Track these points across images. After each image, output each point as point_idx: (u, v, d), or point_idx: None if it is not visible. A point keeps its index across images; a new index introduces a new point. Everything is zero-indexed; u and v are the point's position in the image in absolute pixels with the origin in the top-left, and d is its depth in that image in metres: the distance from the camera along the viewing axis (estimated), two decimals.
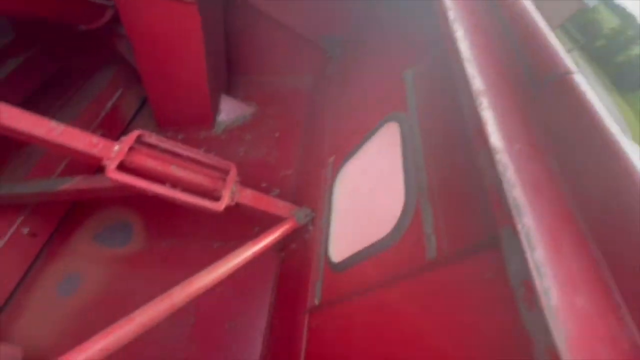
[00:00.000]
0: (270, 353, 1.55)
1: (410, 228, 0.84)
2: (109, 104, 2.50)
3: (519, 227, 0.37)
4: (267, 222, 1.50)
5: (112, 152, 1.25)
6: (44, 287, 1.97)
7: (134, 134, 1.29)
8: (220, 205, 1.32)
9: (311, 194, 1.69)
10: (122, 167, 1.24)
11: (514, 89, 0.53)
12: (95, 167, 2.37)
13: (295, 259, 1.63)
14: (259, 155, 2.40)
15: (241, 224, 1.93)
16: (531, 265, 0.35)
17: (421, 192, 0.85)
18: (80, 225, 2.18)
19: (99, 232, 2.16)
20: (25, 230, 1.97)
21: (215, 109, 2.50)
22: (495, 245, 0.62)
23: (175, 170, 1.31)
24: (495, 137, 0.45)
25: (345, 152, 1.47)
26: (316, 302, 1.21)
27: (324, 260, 1.29)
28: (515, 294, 0.38)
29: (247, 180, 1.52)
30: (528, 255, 0.36)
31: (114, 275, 1.97)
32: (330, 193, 1.47)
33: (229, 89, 2.78)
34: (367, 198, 1.19)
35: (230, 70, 2.81)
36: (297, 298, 1.39)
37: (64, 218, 2.21)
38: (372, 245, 0.99)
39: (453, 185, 0.76)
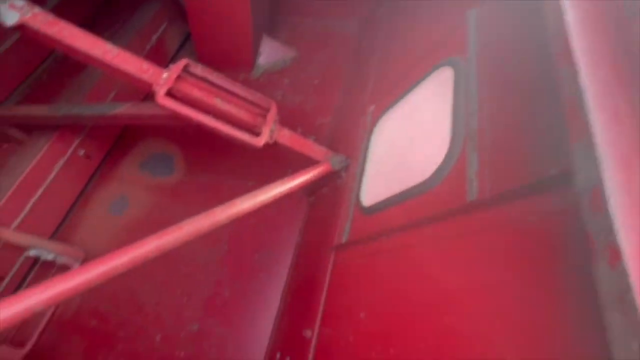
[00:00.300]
0: (294, 284, 1.67)
1: (451, 173, 0.83)
2: (154, 38, 2.53)
3: (593, 141, 0.36)
4: (302, 166, 1.53)
5: (161, 78, 1.29)
6: (97, 206, 2.20)
7: (181, 62, 1.31)
8: (259, 141, 1.36)
9: (347, 142, 1.69)
10: (169, 94, 1.29)
11: (607, 20, 0.48)
12: (143, 95, 2.49)
13: (325, 203, 1.68)
14: (296, 101, 2.39)
15: (275, 166, 1.99)
16: (603, 175, 0.34)
17: (469, 137, 0.82)
18: (128, 152, 2.35)
19: (144, 161, 2.32)
20: (81, 152, 2.15)
21: (256, 50, 2.46)
22: (542, 190, 0.60)
23: (219, 103, 1.34)
24: (580, 56, 0.42)
25: (388, 101, 1.43)
26: (343, 240, 1.27)
27: (354, 204, 1.32)
28: (582, 201, 0.38)
29: (283, 125, 1.54)
30: (601, 168, 0.35)
31: (157, 202, 2.15)
32: (368, 141, 1.46)
33: (272, 30, 2.70)
34: (405, 145, 1.17)
35: (274, 10, 2.71)
36: (324, 237, 1.45)
37: (114, 144, 2.38)
38: (407, 190, 1.00)
39: (506, 130, 0.73)
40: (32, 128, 2.14)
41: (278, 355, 1.48)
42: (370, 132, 1.47)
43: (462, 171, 0.80)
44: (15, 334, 1.69)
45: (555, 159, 0.57)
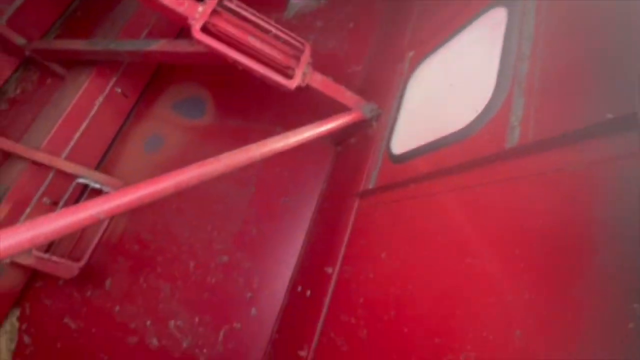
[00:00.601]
0: (317, 227, 1.75)
1: (492, 120, 0.81)
2: None
3: None
4: (332, 114, 1.52)
5: (197, 12, 1.27)
6: (134, 143, 2.32)
7: None
8: (292, 84, 1.34)
9: (380, 91, 1.63)
10: (204, 30, 1.27)
11: None
12: (176, 33, 2.47)
13: (352, 152, 1.69)
14: (328, 46, 2.29)
15: (304, 115, 1.98)
16: None
17: (517, 82, 0.78)
18: (162, 92, 2.40)
19: (177, 102, 2.37)
20: (119, 90, 2.23)
21: None
22: (594, 135, 0.58)
23: (253, 41, 1.32)
24: None
25: (430, 46, 1.34)
26: (370, 186, 1.29)
27: (383, 152, 1.32)
28: None
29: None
30: None
31: (190, 142, 2.23)
32: (403, 89, 1.40)
33: None
34: (444, 93, 1.12)
35: None
36: (350, 184, 1.48)
37: (149, 84, 2.43)
38: (441, 139, 0.98)
39: (560, 73, 0.68)
40: (71, 64, 2.21)
41: (299, 288, 1.61)
42: (406, 79, 1.41)
43: (504, 117, 0.77)
44: (73, 250, 1.92)
45: (614, 102, 0.54)
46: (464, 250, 0.75)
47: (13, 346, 1.95)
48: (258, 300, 1.80)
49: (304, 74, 1.39)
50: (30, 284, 2.01)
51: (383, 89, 1.60)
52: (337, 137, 1.89)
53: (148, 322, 1.86)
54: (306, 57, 1.38)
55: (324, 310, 1.26)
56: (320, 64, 1.47)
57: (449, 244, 0.80)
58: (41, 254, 1.74)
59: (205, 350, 1.75)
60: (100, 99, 2.15)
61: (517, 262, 0.62)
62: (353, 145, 1.71)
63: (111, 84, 2.19)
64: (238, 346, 1.73)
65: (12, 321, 1.98)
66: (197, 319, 1.83)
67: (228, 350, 1.73)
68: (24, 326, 1.96)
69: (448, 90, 1.11)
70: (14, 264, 1.81)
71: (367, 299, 1.03)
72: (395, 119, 1.36)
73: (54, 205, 1.93)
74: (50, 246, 1.93)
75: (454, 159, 0.90)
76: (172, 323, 1.84)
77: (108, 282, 2.00)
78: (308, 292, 1.48)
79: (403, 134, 1.28)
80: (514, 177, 0.70)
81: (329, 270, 1.34)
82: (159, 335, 1.83)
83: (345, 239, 1.34)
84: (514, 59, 0.82)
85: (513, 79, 0.80)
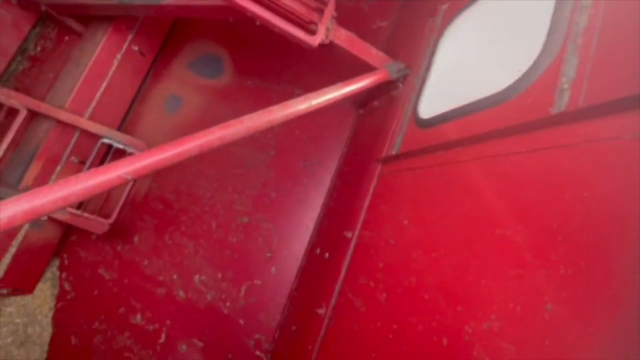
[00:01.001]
0: (337, 192, 1.74)
1: (537, 81, 0.73)
2: None
3: None
4: (354, 75, 1.43)
5: None
6: (153, 104, 2.31)
7: None
8: (314, 40, 1.26)
9: (408, 48, 1.52)
10: None
11: None
12: None
13: (376, 115, 1.62)
14: None
15: (325, 76, 1.90)
16: None
17: (571, 38, 0.69)
18: (179, 51, 2.34)
19: (193, 60, 2.31)
20: (136, 48, 2.18)
21: None
22: None
23: None
24: None
25: None
26: (393, 152, 1.25)
27: (410, 115, 1.25)
28: None
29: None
30: None
31: (208, 102, 2.20)
32: (434, 47, 1.30)
33: None
34: (482, 52, 1.02)
35: None
36: (372, 149, 1.44)
37: (165, 42, 2.37)
38: (476, 102, 0.91)
39: (626, 27, 0.59)
40: (88, 20, 2.15)
41: (318, 251, 1.64)
42: (438, 36, 1.30)
43: (552, 79, 0.69)
44: (102, 207, 2.01)
45: None
46: (494, 220, 0.72)
47: (56, 291, 2.14)
48: (277, 259, 1.86)
49: (328, 30, 1.29)
50: (67, 238, 2.15)
51: (411, 47, 1.48)
52: (360, 100, 1.82)
53: (175, 276, 1.98)
54: (330, 10, 1.28)
55: (343, 272, 1.29)
56: (344, 18, 1.37)
57: (478, 214, 0.77)
58: (74, 210, 1.83)
59: (228, 304, 1.87)
60: (119, 57, 2.12)
61: (554, 235, 0.59)
62: (376, 108, 1.64)
63: (128, 41, 2.14)
64: (258, 301, 1.83)
65: (53, 270, 2.15)
66: (219, 275, 1.93)
67: (249, 304, 1.83)
68: (63, 275, 2.13)
69: (486, 48, 1.01)
70: (51, 219, 1.93)
71: (386, 264, 1.03)
72: (424, 80, 1.27)
73: (81, 164, 2.00)
74: (81, 203, 2.03)
75: (488, 124, 0.84)
76: (196, 278, 1.95)
77: (136, 238, 2.11)
78: (326, 255, 1.51)
79: (432, 96, 1.20)
80: (557, 146, 0.64)
81: (348, 234, 1.35)
82: (185, 288, 1.95)
83: (366, 204, 1.32)
84: (569, 11, 0.72)
85: (567, 35, 0.71)
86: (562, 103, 0.65)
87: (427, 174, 1.03)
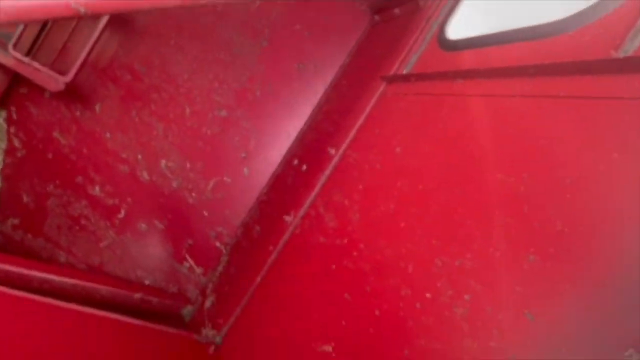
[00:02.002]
0: (329, 104, 1.61)
1: (612, 15, 0.60)
2: None
3: None
4: None
5: None
6: None
7: None
8: None
9: None
10: None
11: None
12: None
13: (393, 25, 1.41)
14: None
15: None
16: None
17: None
18: None
19: None
20: None
21: None
22: None
23: None
24: None
25: None
26: (404, 71, 1.11)
27: (434, 33, 1.08)
28: None
29: None
30: None
31: None
32: None
33: None
34: None
35: None
36: (379, 63, 1.28)
37: None
38: (522, 30, 0.77)
39: None
40: None
41: (295, 162, 1.59)
42: None
43: (630, 15, 0.57)
44: (56, 61, 1.73)
45: None
46: (500, 165, 0.67)
47: (3, 145, 1.96)
48: (251, 161, 1.79)
49: None
50: (15, 89, 1.89)
51: None
52: (378, 3, 1.55)
53: (139, 156, 1.87)
54: None
55: (318, 186, 1.26)
56: None
57: (483, 155, 0.72)
58: (20, 56, 1.56)
59: (194, 194, 1.83)
60: None
61: (563, 192, 0.55)
62: (396, 17, 1.42)
63: None
64: (226, 198, 1.81)
65: (0, 121, 1.94)
66: (188, 165, 1.85)
67: (216, 198, 1.82)
68: (12, 129, 1.93)
69: None
70: None
71: (367, 187, 1.00)
72: None
73: None
74: (30, 49, 1.72)
75: (526, 58, 0.73)
76: (163, 162, 1.86)
77: (98, 107, 1.90)
78: (304, 167, 1.46)
79: (467, 14, 1.03)
80: (607, 97, 0.56)
81: (332, 151, 1.28)
82: (149, 170, 1.87)
83: (358, 123, 1.23)
84: None
85: None
86: (631, 46, 0.55)
87: (437, 102, 0.93)
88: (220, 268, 1.72)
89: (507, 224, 0.60)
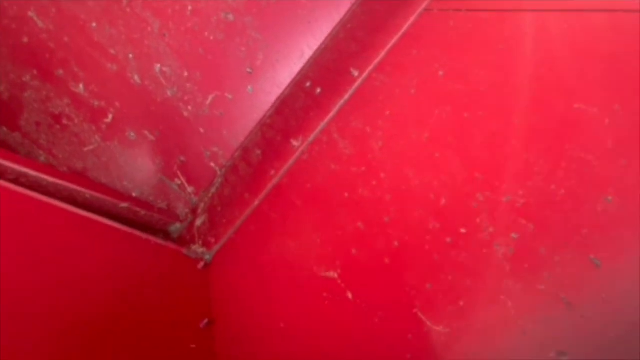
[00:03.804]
0: (354, 21, 1.40)
1: None
2: None
3: None
4: None
5: None
6: None
7: None
8: None
9: None
10: None
11: None
12: None
13: None
14: None
15: None
16: None
17: None
18: None
19: None
20: None
21: None
22: None
23: None
24: None
25: None
26: None
27: None
28: None
29: None
30: None
31: None
32: None
33: None
34: None
35: None
36: None
37: None
38: None
39: None
40: None
41: (308, 84, 1.42)
42: None
43: None
44: None
45: None
46: (583, 94, 0.55)
47: None
48: (257, 79, 1.61)
49: None
50: None
51: None
52: None
53: (130, 55, 1.65)
54: None
55: (334, 111, 1.13)
56: None
57: (560, 82, 0.59)
58: None
59: (190, 107, 1.67)
60: None
61: None
62: None
63: None
64: (225, 116, 1.65)
65: None
66: (186, 73, 1.65)
67: (214, 116, 1.66)
68: None
69: None
70: None
71: (395, 113, 0.88)
72: None
73: None
74: None
75: None
76: (157, 67, 1.65)
77: None
78: (318, 90, 1.30)
79: None
80: None
81: (355, 73, 1.13)
82: (141, 73, 1.67)
83: (391, 43, 1.06)
84: None
85: None
86: None
87: (498, 20, 0.77)
88: (213, 189, 1.64)
89: (581, 159, 0.50)
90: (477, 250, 0.57)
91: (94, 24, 1.64)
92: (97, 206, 1.48)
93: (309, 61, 1.55)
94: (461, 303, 0.54)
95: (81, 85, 1.70)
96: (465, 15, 0.90)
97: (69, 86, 1.70)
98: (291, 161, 1.16)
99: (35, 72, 1.70)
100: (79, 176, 1.68)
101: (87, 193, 1.47)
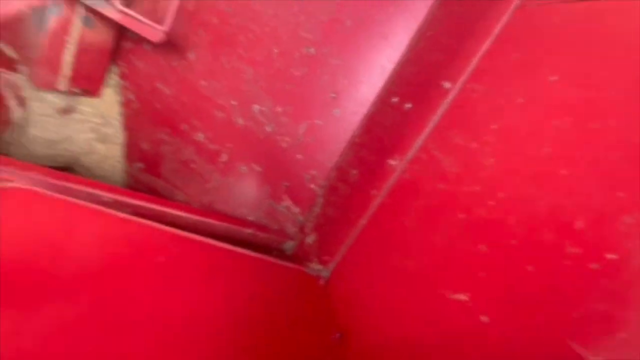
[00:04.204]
0: (435, 27, 1.38)
1: None
2: None
3: None
4: None
5: None
6: None
7: None
8: None
9: None
10: None
11: None
12: None
13: None
14: None
15: None
16: None
17: None
18: None
19: None
20: None
21: None
22: None
23: None
24: None
25: None
26: None
27: None
28: None
29: None
30: None
31: None
32: None
33: None
34: None
35: None
36: None
37: None
38: None
39: None
40: None
41: (394, 100, 1.45)
42: None
43: None
44: (152, 12, 1.77)
45: None
46: None
47: (120, 99, 2.20)
48: (342, 102, 1.71)
49: None
50: (121, 45, 2.03)
51: None
52: None
53: (233, 102, 1.93)
54: None
55: (429, 127, 1.14)
56: None
57: None
58: (125, 9, 1.62)
59: (287, 139, 1.86)
60: None
61: None
62: None
63: None
64: (317, 141, 1.80)
65: (114, 77, 2.15)
66: (279, 109, 1.85)
67: (308, 142, 1.82)
68: (125, 83, 2.13)
69: None
70: (102, 18, 1.75)
71: (503, 126, 0.86)
72: None
73: None
74: (130, 2, 1.78)
75: None
76: (256, 107, 1.89)
77: (191, 55, 1.96)
78: (407, 105, 1.33)
79: None
80: None
81: (446, 85, 1.12)
82: (244, 116, 1.93)
83: (483, 47, 1.03)
84: None
85: None
86: None
87: (619, 9, 0.70)
88: (317, 209, 1.80)
89: None
90: (634, 278, 0.54)
91: (203, 83, 1.97)
92: (228, 235, 1.78)
93: (391, 76, 1.58)
94: (622, 335, 0.52)
95: (200, 134, 2.06)
96: (573, 6, 0.82)
97: (191, 136, 2.08)
98: (391, 180, 1.21)
99: (167, 129, 2.12)
100: (209, 210, 2.03)
101: (220, 225, 1.78)
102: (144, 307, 0.88)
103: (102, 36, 1.90)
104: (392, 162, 1.23)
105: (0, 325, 0.63)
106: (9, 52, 2.01)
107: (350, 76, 1.67)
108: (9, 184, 1.01)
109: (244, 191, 2.07)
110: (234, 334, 0.97)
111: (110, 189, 1.44)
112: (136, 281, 0.93)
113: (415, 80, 1.34)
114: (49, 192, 1.06)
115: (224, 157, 2.04)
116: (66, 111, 2.09)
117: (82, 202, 1.13)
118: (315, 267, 1.45)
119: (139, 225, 1.17)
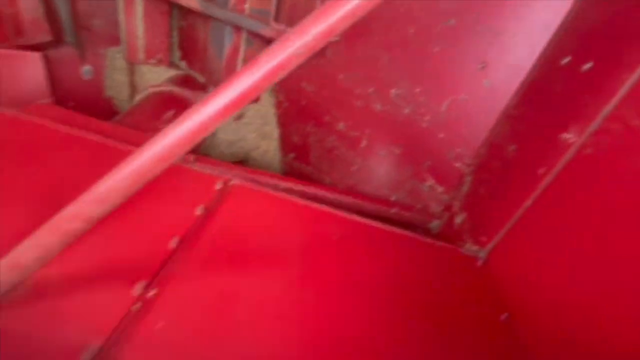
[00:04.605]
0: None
1: None
2: None
3: None
4: None
5: None
6: None
7: None
8: None
9: None
10: None
11: None
12: None
13: None
14: None
15: None
16: None
17: None
18: None
19: None
20: None
21: None
22: None
23: None
24: None
25: None
26: None
27: None
28: None
29: None
30: None
31: None
32: None
33: None
34: None
35: None
36: None
37: None
38: None
39: None
40: None
41: (565, 60, 1.24)
42: None
43: None
44: (293, 21, 2.00)
45: None
46: None
47: (274, 100, 2.62)
48: (492, 71, 1.56)
49: None
50: None
51: None
52: None
53: (370, 90, 2.03)
54: None
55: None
56: None
57: None
58: (278, 25, 1.91)
59: (427, 118, 1.85)
60: None
61: None
62: None
63: None
64: (463, 116, 1.72)
65: None
66: (418, 89, 1.84)
67: (451, 119, 1.76)
68: (277, 87, 2.52)
69: None
70: (257, 36, 2.10)
71: None
72: None
73: None
74: (278, 16, 2.08)
75: None
76: (393, 91, 1.94)
77: (328, 52, 2.13)
78: (586, 66, 1.12)
79: None
80: None
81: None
82: (381, 102, 2.01)
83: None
84: None
85: None
86: None
87: None
88: (465, 188, 1.75)
89: None
90: None
91: (340, 76, 2.13)
92: (378, 214, 1.94)
93: (557, 32, 1.34)
94: None
95: (341, 124, 2.26)
96: None
97: (333, 126, 2.31)
98: (566, 157, 1.08)
99: (312, 122, 2.41)
100: (357, 192, 2.24)
101: (368, 204, 1.95)
102: (334, 276, 1.11)
103: (259, 51, 2.29)
104: (566, 135, 1.09)
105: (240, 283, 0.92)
106: (200, 78, 2.65)
107: (502, 42, 1.49)
108: (231, 182, 1.40)
109: (385, 172, 2.18)
110: (399, 307, 1.09)
111: (283, 179, 1.79)
112: (324, 256, 1.18)
113: (597, 34, 1.11)
114: (255, 186, 1.42)
115: (363, 143, 2.19)
116: (239, 117, 2.64)
117: (279, 194, 1.46)
118: (470, 247, 1.45)
119: (317, 210, 1.43)
